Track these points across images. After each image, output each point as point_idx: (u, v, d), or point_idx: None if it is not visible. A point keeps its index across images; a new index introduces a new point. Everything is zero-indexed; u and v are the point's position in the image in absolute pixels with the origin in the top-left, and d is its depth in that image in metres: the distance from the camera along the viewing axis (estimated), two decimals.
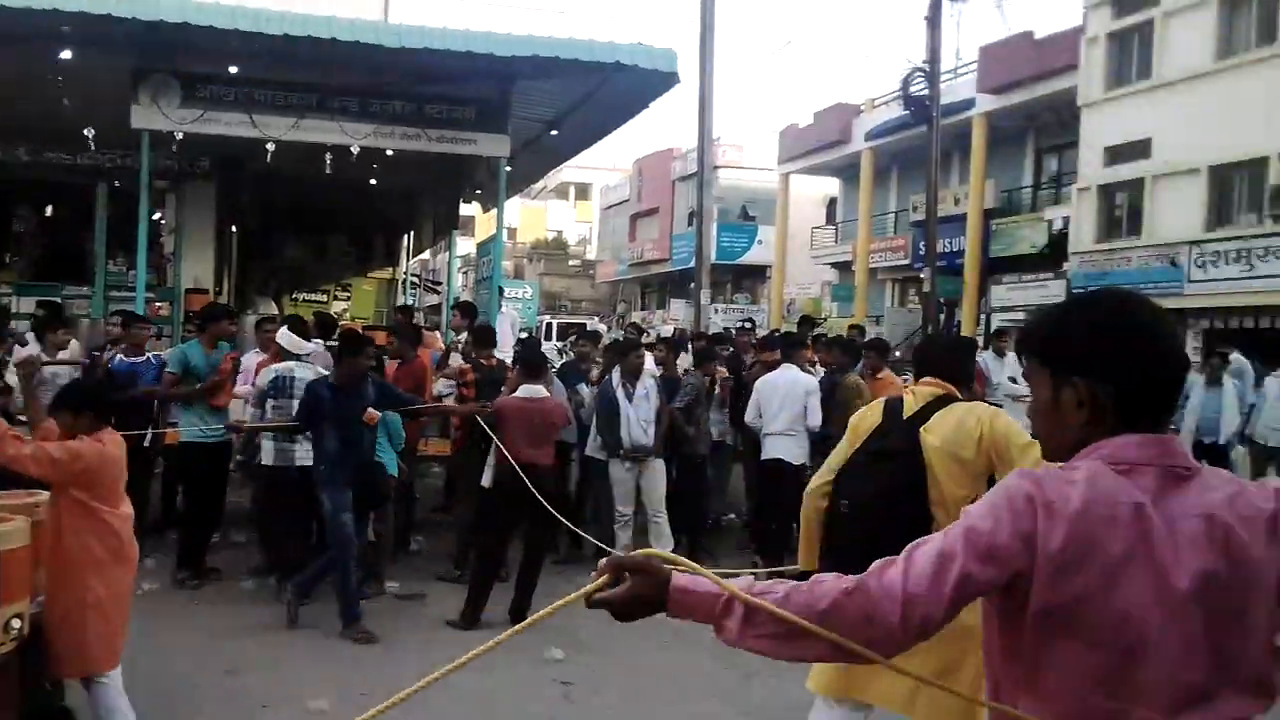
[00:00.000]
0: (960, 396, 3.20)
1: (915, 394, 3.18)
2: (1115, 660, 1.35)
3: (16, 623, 3.50)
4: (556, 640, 5.44)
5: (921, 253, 17.39)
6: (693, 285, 14.16)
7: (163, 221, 12.41)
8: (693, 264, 14.23)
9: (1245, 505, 1.40)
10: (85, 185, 11.89)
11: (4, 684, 3.34)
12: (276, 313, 11.23)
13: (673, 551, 6.99)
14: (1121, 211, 19.63)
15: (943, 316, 21.73)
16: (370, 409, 5.77)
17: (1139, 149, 18.87)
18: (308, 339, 6.76)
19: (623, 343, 8.37)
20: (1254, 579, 1.37)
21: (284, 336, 6.60)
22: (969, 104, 22.79)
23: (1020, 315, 20.31)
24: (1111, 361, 1.44)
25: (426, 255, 28.04)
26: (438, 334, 11.02)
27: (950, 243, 22.94)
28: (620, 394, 7.03)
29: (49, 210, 13.89)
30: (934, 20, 15.87)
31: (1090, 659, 1.36)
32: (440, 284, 21.59)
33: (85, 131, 10.22)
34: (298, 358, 6.47)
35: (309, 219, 15.06)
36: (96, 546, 3.66)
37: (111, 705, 3.71)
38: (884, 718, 3.16)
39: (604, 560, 1.46)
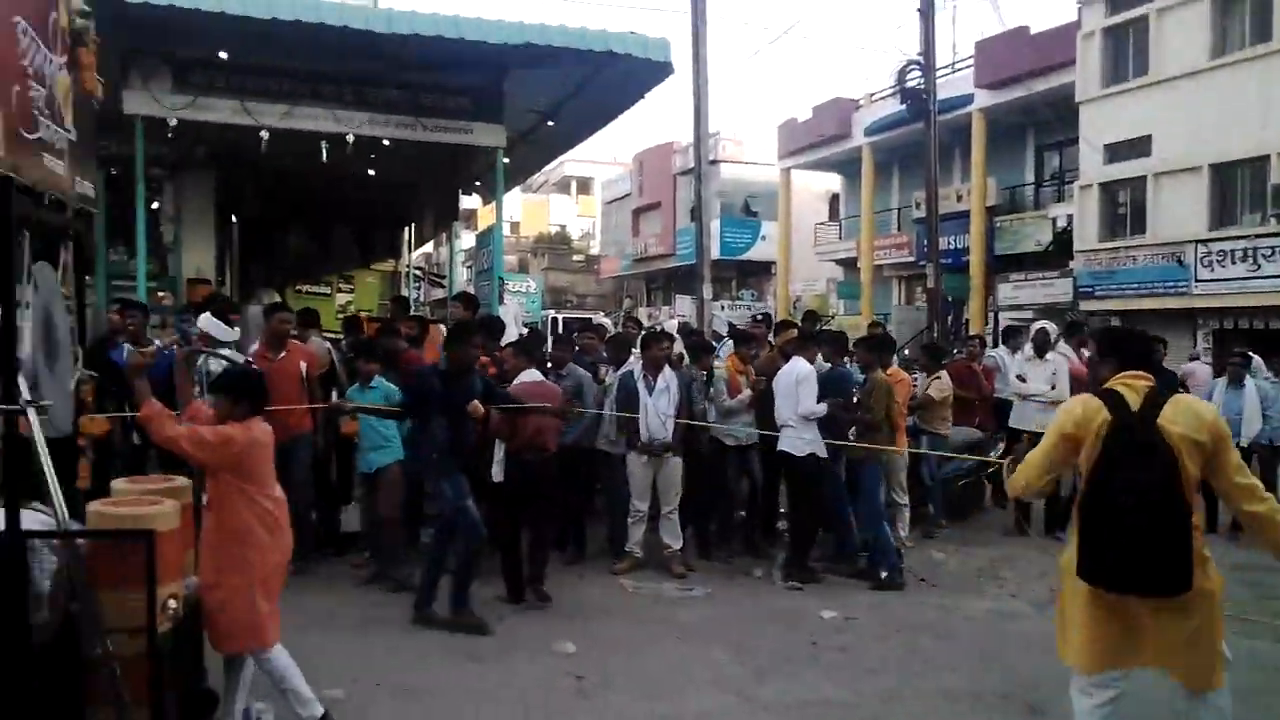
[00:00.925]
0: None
1: (1131, 388, 3.33)
2: None
3: (173, 603, 3.59)
4: (568, 634, 5.40)
5: (925, 250, 17.24)
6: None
7: (162, 210, 12.31)
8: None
9: None
10: None
11: (164, 663, 3.39)
12: (280, 301, 11.14)
13: (680, 549, 6.97)
14: (1125, 209, 19.49)
15: (950, 315, 21.62)
16: (476, 402, 5.64)
17: (1139, 146, 18.77)
18: (317, 328, 6.63)
19: (649, 334, 8.22)
20: None
21: (206, 321, 6.40)
22: (967, 99, 22.63)
23: (1028, 314, 20.17)
24: None
25: (429, 248, 27.95)
26: (442, 327, 10.97)
27: (954, 240, 22.85)
28: (641, 386, 6.96)
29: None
30: (926, 11, 15.52)
31: None
32: (444, 277, 21.48)
33: None
34: (221, 344, 6.24)
35: (311, 209, 14.92)
36: (257, 527, 3.80)
37: (283, 668, 3.87)
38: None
39: None
